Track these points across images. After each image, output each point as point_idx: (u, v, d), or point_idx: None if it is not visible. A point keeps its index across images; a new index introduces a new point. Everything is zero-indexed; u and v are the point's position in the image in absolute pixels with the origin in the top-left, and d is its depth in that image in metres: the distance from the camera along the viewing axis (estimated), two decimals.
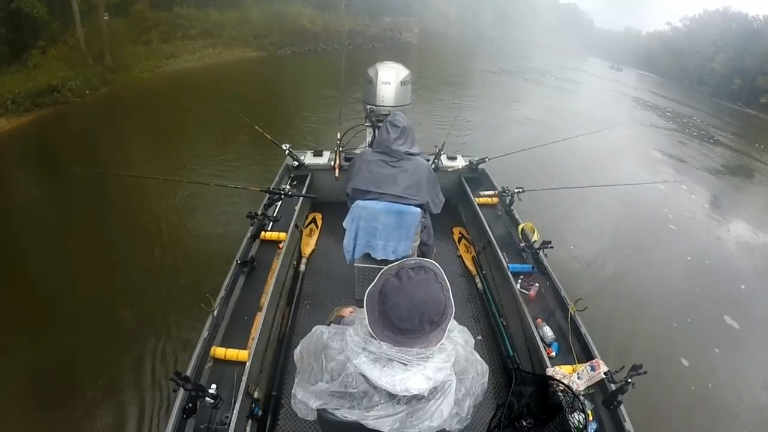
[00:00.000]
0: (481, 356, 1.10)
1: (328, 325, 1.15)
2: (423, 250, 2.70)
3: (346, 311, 1.33)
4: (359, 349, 0.92)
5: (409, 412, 0.92)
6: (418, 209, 2.39)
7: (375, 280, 0.95)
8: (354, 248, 2.45)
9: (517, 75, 19.34)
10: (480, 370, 1.07)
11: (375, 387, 0.91)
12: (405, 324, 0.87)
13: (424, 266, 0.92)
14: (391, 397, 0.91)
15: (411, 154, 2.34)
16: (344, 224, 2.47)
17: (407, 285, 0.89)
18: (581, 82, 21.04)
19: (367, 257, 2.49)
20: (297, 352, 1.12)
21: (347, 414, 0.95)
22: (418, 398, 0.92)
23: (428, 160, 3.21)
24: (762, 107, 20.85)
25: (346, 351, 0.94)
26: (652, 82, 25.08)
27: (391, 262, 1.08)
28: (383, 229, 2.38)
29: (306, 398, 1.02)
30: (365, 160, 2.38)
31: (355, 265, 2.53)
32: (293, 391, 1.07)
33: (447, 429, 0.98)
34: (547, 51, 27.81)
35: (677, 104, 18.46)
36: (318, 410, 1.02)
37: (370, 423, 0.93)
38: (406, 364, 0.89)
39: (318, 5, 21.86)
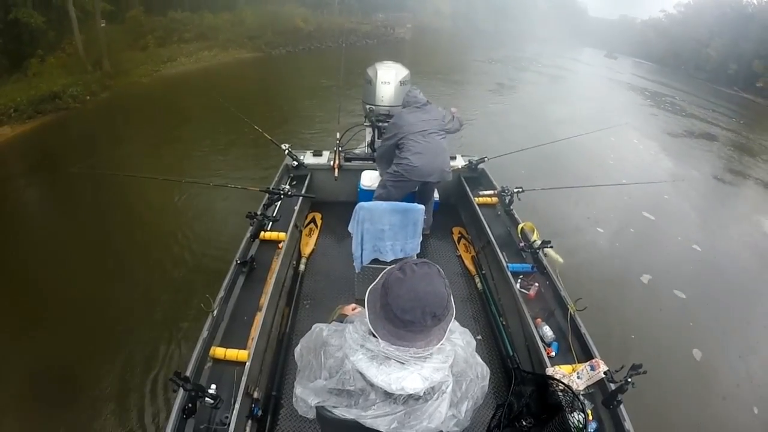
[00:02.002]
0: (480, 356, 1.08)
1: (330, 323, 1.15)
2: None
3: (349, 309, 1.32)
4: (357, 346, 0.91)
5: (407, 412, 0.91)
6: (422, 206, 2.46)
7: (378, 278, 0.94)
8: (362, 254, 2.45)
9: (509, 64, 19.58)
10: (480, 373, 1.05)
11: (372, 385, 0.90)
12: (407, 316, 0.85)
13: (427, 262, 0.92)
14: (388, 395, 0.90)
15: (428, 102, 3.02)
16: (349, 228, 2.48)
17: (411, 277, 0.88)
18: (576, 70, 21.11)
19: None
20: (297, 350, 1.12)
21: (345, 412, 0.94)
22: (415, 398, 0.91)
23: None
24: (758, 91, 20.79)
25: (345, 348, 0.94)
26: (647, 69, 24.98)
27: (399, 261, 1.14)
28: (390, 229, 2.41)
29: (304, 395, 1.01)
30: (401, 113, 2.97)
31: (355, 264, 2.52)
32: (294, 388, 1.08)
33: (444, 431, 0.98)
34: (543, 42, 27.78)
35: (677, 91, 18.46)
36: (317, 408, 1.02)
37: (368, 422, 0.92)
38: (403, 363, 0.88)
39: (311, 4, 21.89)
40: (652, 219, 6.11)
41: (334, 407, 0.96)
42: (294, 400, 1.07)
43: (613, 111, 12.60)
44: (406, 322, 0.85)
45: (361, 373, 0.90)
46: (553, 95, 14.25)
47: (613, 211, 6.09)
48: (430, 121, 2.91)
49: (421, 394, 0.90)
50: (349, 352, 0.92)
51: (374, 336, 0.91)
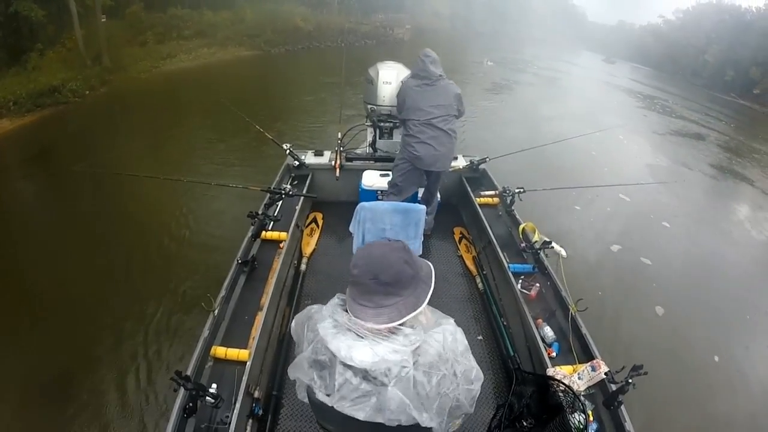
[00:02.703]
0: (481, 356, 1.07)
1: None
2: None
3: None
4: (327, 316, 0.97)
5: (378, 399, 0.92)
6: (423, 207, 2.46)
7: None
8: None
9: (507, 66, 19.67)
10: (461, 373, 0.98)
11: (334, 355, 0.92)
12: (355, 270, 0.92)
13: (400, 242, 0.97)
14: (346, 368, 0.92)
15: (441, 76, 2.82)
16: (350, 228, 2.48)
17: (373, 245, 0.97)
18: (574, 74, 21.22)
19: None
20: (292, 325, 1.16)
21: (327, 401, 0.96)
22: (372, 377, 0.91)
23: None
24: (755, 98, 20.94)
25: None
26: (645, 74, 25.10)
27: None
28: (391, 229, 2.41)
29: (295, 374, 1.05)
30: (409, 87, 2.82)
31: None
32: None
33: (423, 425, 0.95)
34: (541, 45, 27.95)
35: (673, 96, 18.55)
36: (308, 394, 1.05)
37: (347, 411, 0.94)
38: (361, 337, 0.91)
39: (311, 4, 21.90)
40: (627, 200, 6.67)
41: (319, 391, 0.98)
42: (297, 386, 1.12)
43: (608, 113, 12.81)
44: (354, 277, 0.93)
45: (325, 341, 0.94)
46: (551, 96, 14.44)
47: (593, 191, 6.49)
48: (440, 106, 2.75)
49: (369, 368, 0.89)
50: (319, 319, 0.98)
51: (343, 307, 0.98)
